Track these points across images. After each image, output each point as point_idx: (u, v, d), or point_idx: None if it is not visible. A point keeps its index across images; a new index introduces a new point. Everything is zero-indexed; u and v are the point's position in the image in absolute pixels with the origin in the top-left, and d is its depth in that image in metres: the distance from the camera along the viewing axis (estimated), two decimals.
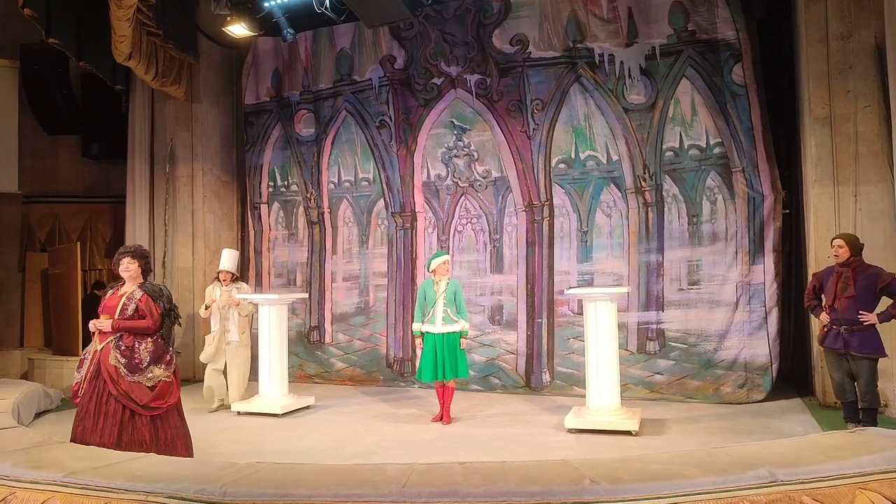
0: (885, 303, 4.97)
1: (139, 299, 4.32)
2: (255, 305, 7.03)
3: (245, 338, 6.94)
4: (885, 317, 4.87)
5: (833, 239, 5.23)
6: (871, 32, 6.03)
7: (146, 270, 4.48)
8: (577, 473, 2.99)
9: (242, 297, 6.90)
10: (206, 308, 6.89)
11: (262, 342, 6.90)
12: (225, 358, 6.86)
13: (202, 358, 6.88)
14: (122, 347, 4.23)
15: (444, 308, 6.06)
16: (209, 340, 6.87)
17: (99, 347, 4.29)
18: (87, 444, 3.99)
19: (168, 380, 4.26)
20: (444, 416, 6.16)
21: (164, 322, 4.33)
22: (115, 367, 4.18)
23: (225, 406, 6.86)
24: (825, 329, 5.18)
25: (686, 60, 7.07)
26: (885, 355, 4.99)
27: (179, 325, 4.59)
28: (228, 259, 7.07)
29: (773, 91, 7.28)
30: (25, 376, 8.26)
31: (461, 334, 6.09)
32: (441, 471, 3.16)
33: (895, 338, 5.40)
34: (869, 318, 4.87)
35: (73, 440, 4.13)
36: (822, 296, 5.23)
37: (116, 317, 4.27)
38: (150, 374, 4.20)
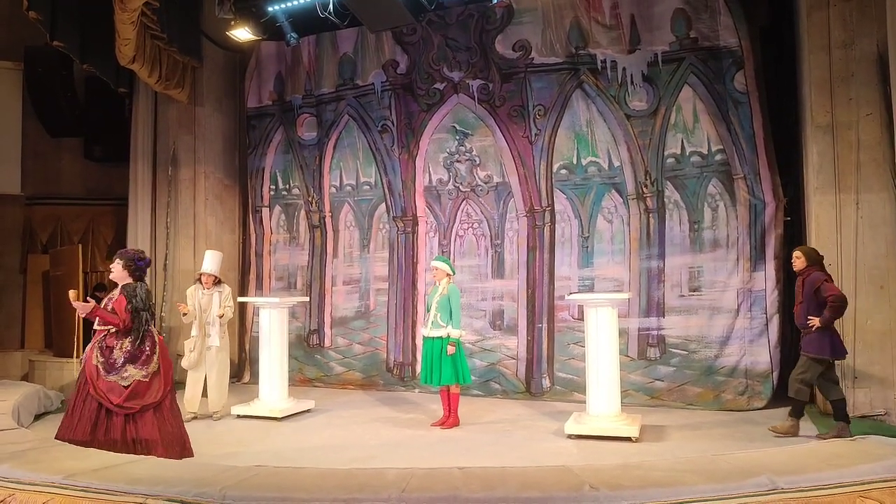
0: None
1: (116, 299, 4.49)
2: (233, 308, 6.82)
3: (225, 342, 6.75)
4: (823, 320, 5.22)
5: (793, 250, 5.65)
6: (873, 40, 6.04)
7: (134, 272, 4.57)
8: (577, 479, 2.99)
9: (249, 301, 6.74)
10: (185, 315, 6.59)
11: (263, 345, 6.90)
12: (205, 363, 6.61)
13: (185, 365, 6.58)
14: (104, 347, 4.37)
15: (436, 312, 6.07)
16: (190, 346, 6.58)
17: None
18: (62, 441, 4.10)
19: (144, 380, 4.29)
20: (445, 421, 6.15)
21: (134, 321, 4.39)
22: (96, 366, 4.31)
23: (198, 417, 6.55)
24: None
25: (688, 67, 7.08)
26: (827, 357, 5.28)
27: (152, 325, 4.58)
28: (211, 261, 6.77)
29: (775, 98, 7.28)
30: (26, 378, 8.26)
31: (447, 340, 5.97)
32: (440, 476, 3.16)
33: None
34: (813, 321, 5.27)
35: (56, 437, 4.23)
36: None
37: None
38: (126, 374, 4.27)
